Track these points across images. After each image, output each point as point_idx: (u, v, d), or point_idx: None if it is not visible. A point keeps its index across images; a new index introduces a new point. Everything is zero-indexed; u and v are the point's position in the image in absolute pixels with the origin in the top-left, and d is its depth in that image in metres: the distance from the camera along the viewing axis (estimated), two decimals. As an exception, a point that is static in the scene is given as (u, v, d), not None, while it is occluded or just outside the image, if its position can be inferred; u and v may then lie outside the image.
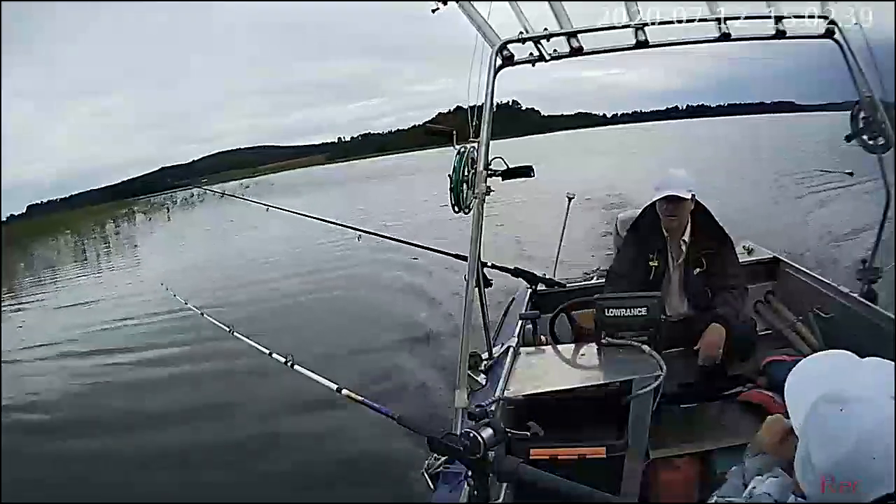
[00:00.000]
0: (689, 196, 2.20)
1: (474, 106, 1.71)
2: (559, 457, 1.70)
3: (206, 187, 12.61)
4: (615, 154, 26.22)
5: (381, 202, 19.50)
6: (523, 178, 1.89)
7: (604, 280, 2.48)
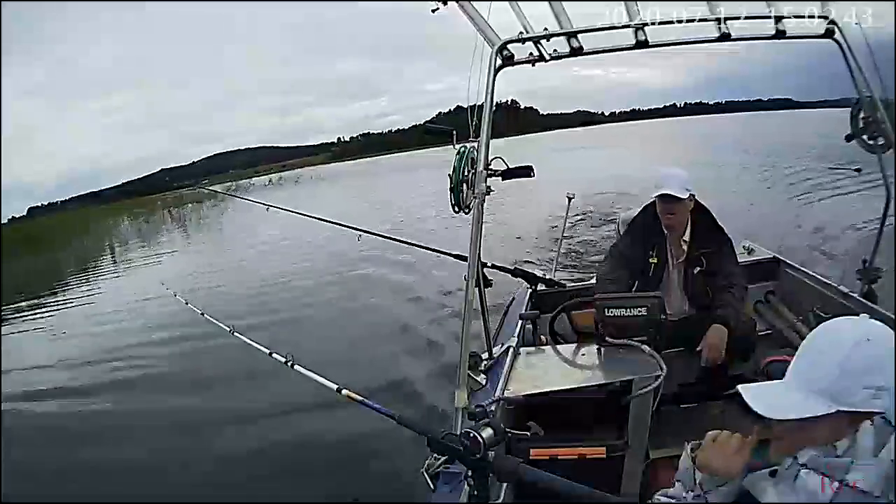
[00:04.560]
0: (685, 196, 2.20)
1: (474, 105, 1.71)
2: (559, 457, 1.70)
3: (208, 187, 12.66)
4: (611, 152, 26.30)
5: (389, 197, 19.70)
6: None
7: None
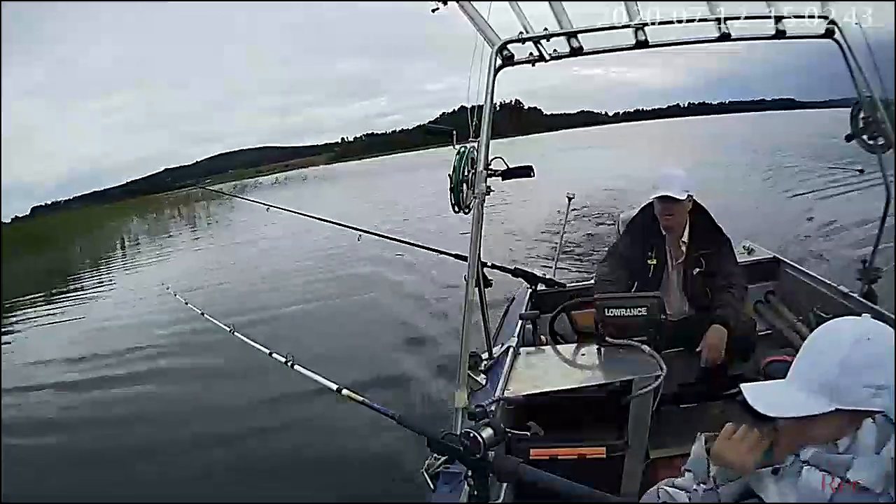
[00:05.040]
0: (683, 197, 2.19)
1: (474, 106, 1.71)
2: (559, 457, 1.70)
3: (210, 187, 12.72)
4: (614, 151, 26.36)
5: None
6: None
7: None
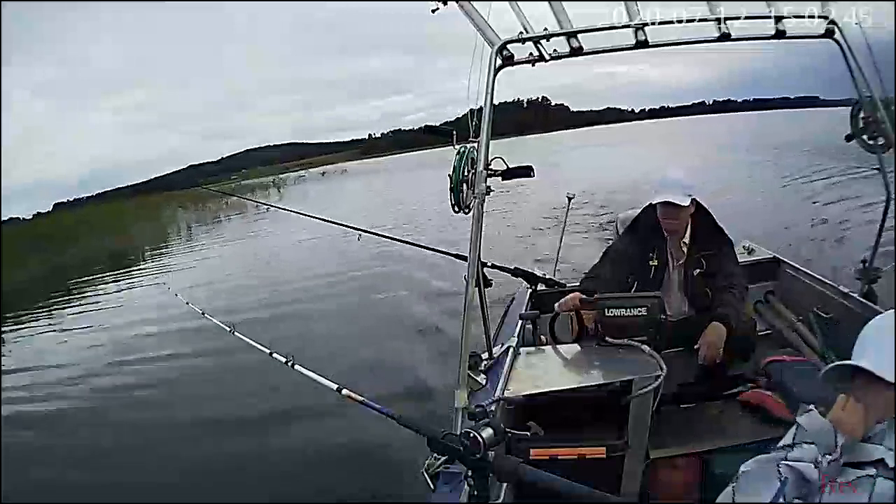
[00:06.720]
0: (687, 202, 2.18)
1: (472, 108, 1.72)
2: (559, 457, 1.70)
3: (210, 187, 12.75)
4: (633, 149, 26.40)
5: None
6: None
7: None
